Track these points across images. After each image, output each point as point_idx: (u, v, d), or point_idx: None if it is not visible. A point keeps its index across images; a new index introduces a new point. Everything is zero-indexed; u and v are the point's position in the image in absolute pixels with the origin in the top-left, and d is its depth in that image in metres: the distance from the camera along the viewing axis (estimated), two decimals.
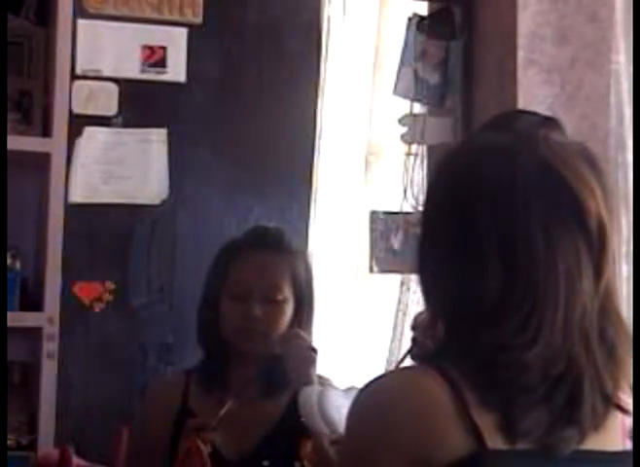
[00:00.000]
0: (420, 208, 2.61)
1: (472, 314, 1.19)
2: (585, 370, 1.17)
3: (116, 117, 2.45)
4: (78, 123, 2.42)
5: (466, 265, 1.19)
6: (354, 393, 2.22)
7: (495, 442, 1.15)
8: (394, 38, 3.12)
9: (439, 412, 1.15)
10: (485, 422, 1.15)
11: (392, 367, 2.99)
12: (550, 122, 1.25)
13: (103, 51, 2.46)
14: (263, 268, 2.23)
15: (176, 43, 2.49)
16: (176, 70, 2.49)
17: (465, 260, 1.20)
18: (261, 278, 2.21)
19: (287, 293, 2.21)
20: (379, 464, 1.16)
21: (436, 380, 1.17)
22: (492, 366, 1.16)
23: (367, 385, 1.24)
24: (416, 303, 2.93)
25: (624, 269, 2.28)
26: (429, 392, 1.17)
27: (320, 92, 3.44)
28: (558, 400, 1.16)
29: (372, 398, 1.22)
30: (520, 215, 1.18)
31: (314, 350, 2.11)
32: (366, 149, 3.30)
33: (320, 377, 2.26)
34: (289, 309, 2.22)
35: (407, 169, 2.62)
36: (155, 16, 2.48)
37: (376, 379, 1.26)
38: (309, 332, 2.29)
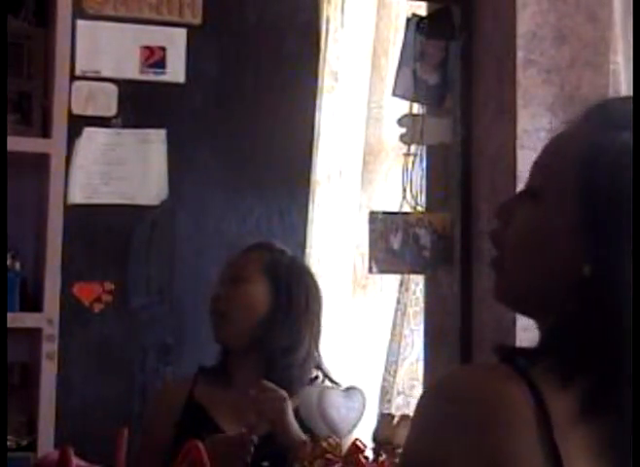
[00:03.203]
0: (419, 208, 2.61)
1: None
2: None
3: (115, 117, 2.45)
4: (77, 123, 2.42)
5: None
6: (354, 393, 2.24)
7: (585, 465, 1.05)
8: (392, 38, 3.12)
9: (520, 427, 1.04)
10: (573, 442, 1.05)
11: (391, 368, 2.99)
12: None
13: (102, 51, 2.46)
14: (234, 259, 2.35)
15: (175, 43, 2.48)
16: (175, 71, 2.48)
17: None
18: (228, 266, 2.32)
19: (252, 274, 2.26)
20: None
21: (521, 389, 1.06)
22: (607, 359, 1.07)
23: (440, 380, 1.14)
24: (415, 303, 2.93)
25: None
26: (510, 402, 1.06)
27: (318, 93, 3.45)
28: None
29: (444, 396, 1.10)
30: None
31: (284, 399, 2.11)
32: (364, 149, 3.30)
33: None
34: (255, 291, 2.26)
35: (406, 170, 2.62)
36: (154, 16, 2.47)
37: (452, 375, 1.17)
38: (299, 328, 2.29)
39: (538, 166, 1.22)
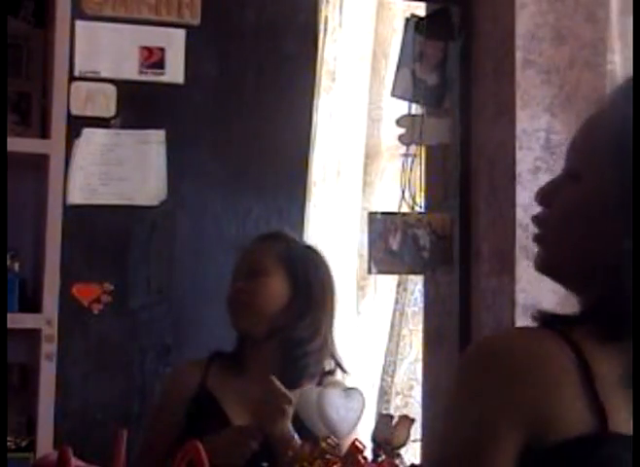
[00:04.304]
0: (418, 209, 2.61)
1: None
2: None
3: (114, 118, 2.45)
4: (76, 124, 2.42)
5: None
6: (353, 394, 2.24)
7: (621, 423, 1.08)
8: (391, 39, 3.12)
9: (562, 380, 1.09)
10: (615, 400, 1.08)
11: (389, 368, 2.99)
12: None
13: (101, 52, 2.45)
14: (248, 252, 2.38)
15: (174, 44, 2.48)
16: (174, 71, 2.48)
17: None
18: (245, 259, 2.36)
19: (270, 267, 2.30)
20: (489, 426, 1.08)
21: (561, 347, 1.10)
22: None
23: (483, 341, 1.20)
24: (413, 303, 2.94)
25: None
26: (554, 357, 1.10)
27: (316, 93, 3.45)
28: None
29: (490, 353, 1.13)
30: None
31: (289, 402, 2.12)
32: (363, 150, 3.30)
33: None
34: (274, 283, 2.30)
35: (404, 170, 2.62)
36: (153, 17, 2.47)
37: (494, 336, 1.23)
38: (317, 319, 2.31)
39: (575, 148, 1.26)
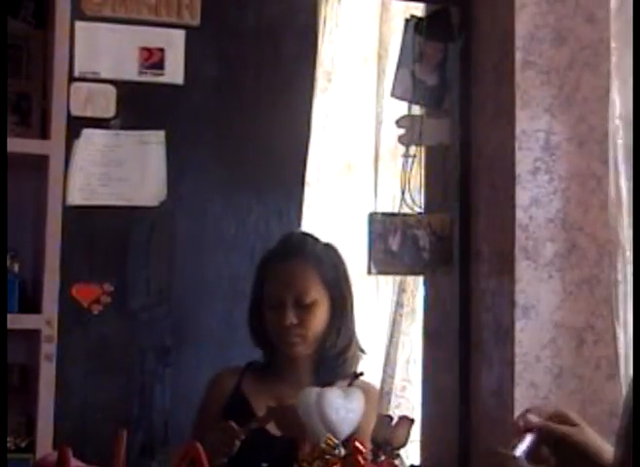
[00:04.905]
0: (418, 209, 2.61)
1: None
2: None
3: (114, 119, 2.45)
4: (76, 125, 2.42)
5: None
6: (353, 394, 2.24)
7: None
8: (391, 40, 3.12)
9: None
10: None
11: (389, 369, 2.99)
12: None
13: (101, 53, 2.46)
14: (289, 277, 2.44)
15: (174, 45, 2.48)
16: (174, 72, 2.48)
17: None
18: (289, 288, 2.42)
19: (316, 295, 2.41)
20: None
21: None
22: None
23: None
24: (411, 303, 2.93)
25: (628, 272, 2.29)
26: None
27: (315, 94, 3.45)
28: None
29: None
30: None
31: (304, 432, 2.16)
32: (362, 150, 3.30)
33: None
34: (322, 309, 2.42)
35: (404, 171, 2.62)
36: (152, 17, 2.47)
37: None
38: (349, 325, 2.44)
39: None
